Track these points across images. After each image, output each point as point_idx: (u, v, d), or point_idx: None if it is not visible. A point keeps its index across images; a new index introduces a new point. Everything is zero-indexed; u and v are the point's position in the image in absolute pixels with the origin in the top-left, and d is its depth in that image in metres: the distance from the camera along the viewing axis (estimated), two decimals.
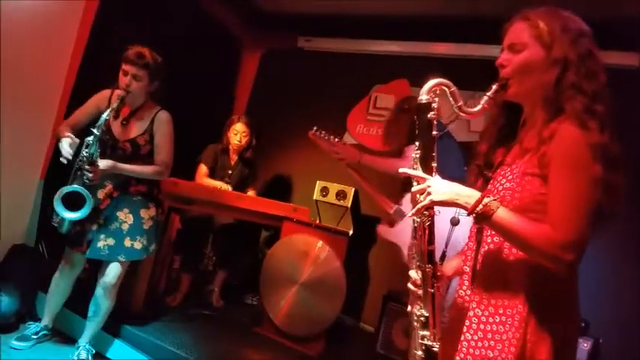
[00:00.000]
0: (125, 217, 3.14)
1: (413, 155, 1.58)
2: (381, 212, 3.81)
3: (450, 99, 1.56)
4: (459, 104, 1.55)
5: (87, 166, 2.85)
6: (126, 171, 3.09)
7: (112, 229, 3.11)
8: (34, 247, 3.86)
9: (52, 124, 3.85)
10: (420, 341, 1.58)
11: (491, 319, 1.48)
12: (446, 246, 3.02)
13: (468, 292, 1.60)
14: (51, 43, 3.85)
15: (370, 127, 5.20)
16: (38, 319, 3.36)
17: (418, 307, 1.59)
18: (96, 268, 3.24)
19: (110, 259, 3.10)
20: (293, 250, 3.85)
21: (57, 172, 3.62)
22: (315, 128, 3.87)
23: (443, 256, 3.01)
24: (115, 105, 3.00)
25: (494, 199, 1.42)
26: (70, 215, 2.82)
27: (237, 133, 4.57)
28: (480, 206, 1.41)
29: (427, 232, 1.55)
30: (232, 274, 4.54)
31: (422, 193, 1.50)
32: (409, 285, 1.64)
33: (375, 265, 4.90)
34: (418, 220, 1.56)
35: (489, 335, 1.47)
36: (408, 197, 3.32)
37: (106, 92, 3.22)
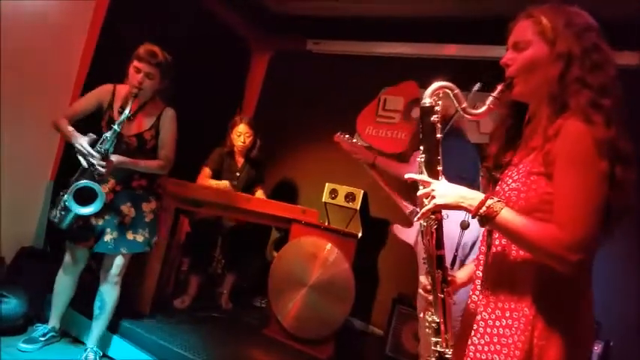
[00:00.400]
0: (128, 211, 3.18)
1: (418, 159, 1.58)
2: (397, 213, 3.79)
3: (454, 101, 1.54)
4: (463, 106, 1.54)
5: (101, 162, 2.87)
6: (133, 166, 3.13)
7: (115, 222, 3.14)
8: (43, 250, 3.87)
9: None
10: (433, 348, 1.57)
11: (497, 323, 1.45)
12: (456, 250, 3.00)
13: (481, 296, 1.57)
14: (61, 42, 3.88)
15: (379, 129, 5.17)
16: (46, 322, 3.36)
17: (429, 313, 1.58)
18: (99, 267, 3.28)
19: (114, 252, 3.14)
20: (302, 252, 3.83)
21: (66, 174, 3.64)
22: (339, 132, 3.91)
23: (454, 261, 2.99)
24: (130, 102, 3.02)
25: (498, 201, 1.40)
26: (84, 210, 2.84)
27: (241, 135, 4.52)
28: (484, 208, 1.39)
29: (435, 236, 1.55)
30: (241, 276, 4.54)
31: (427, 197, 1.50)
32: (419, 291, 1.63)
33: (384, 268, 4.88)
34: (425, 224, 1.55)
35: (495, 339, 1.44)
36: None
37: (108, 87, 3.24)
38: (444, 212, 1.54)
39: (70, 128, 2.99)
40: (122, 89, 3.19)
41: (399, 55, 5.17)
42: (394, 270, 4.74)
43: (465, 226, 2.77)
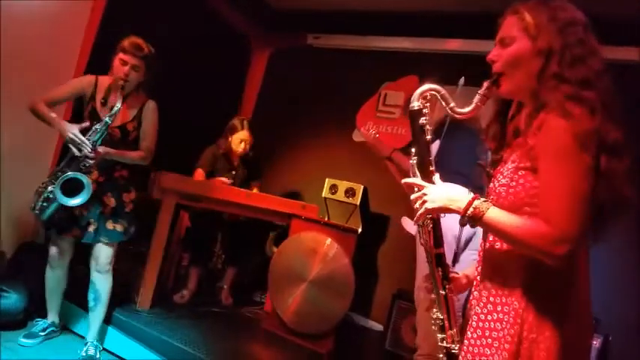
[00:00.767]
0: (108, 201, 3.19)
1: (411, 162, 1.60)
2: (399, 208, 3.80)
3: (442, 102, 1.56)
4: (451, 106, 1.56)
5: (90, 153, 2.91)
6: (117, 156, 3.15)
7: (97, 212, 3.16)
8: (43, 245, 3.87)
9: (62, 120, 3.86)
10: (440, 344, 1.58)
11: (489, 317, 1.47)
12: (457, 247, 3.01)
13: (476, 292, 1.59)
14: (60, 40, 3.88)
15: (380, 124, 5.17)
16: (46, 316, 3.38)
17: (434, 310, 1.60)
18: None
19: (94, 241, 3.16)
20: (302, 247, 3.84)
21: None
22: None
23: (455, 257, 3.01)
24: (118, 94, 3.03)
25: (485, 201, 1.43)
26: (72, 202, 2.87)
27: (242, 141, 4.40)
28: (471, 209, 1.42)
29: (432, 235, 1.57)
30: (242, 271, 4.54)
31: (419, 200, 1.52)
32: (417, 284, 1.66)
33: (383, 263, 4.88)
34: (422, 224, 1.58)
35: (487, 333, 1.46)
36: None
37: (90, 78, 3.25)
38: None
39: (54, 115, 3.01)
40: (104, 80, 3.19)
41: (399, 50, 5.16)
42: (394, 265, 4.75)
43: (463, 223, 2.77)
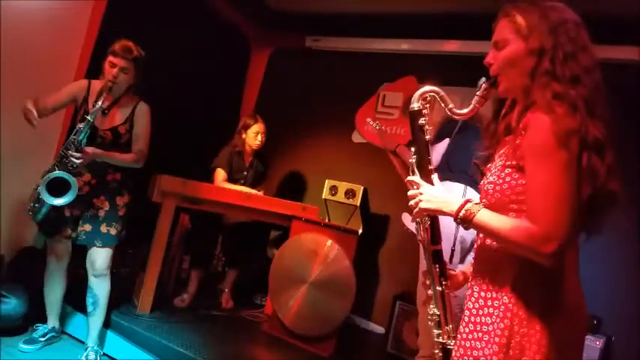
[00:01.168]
0: (101, 204, 3.20)
1: (410, 161, 1.65)
2: (400, 207, 3.79)
3: (441, 103, 1.61)
4: (450, 107, 1.60)
5: (75, 152, 2.91)
6: (108, 158, 3.15)
7: (89, 215, 3.17)
8: (42, 250, 3.86)
9: (62, 124, 3.86)
10: (435, 340, 1.62)
11: (481, 312, 1.50)
12: (454, 244, 3.01)
13: (469, 290, 1.62)
14: (61, 40, 3.88)
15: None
16: (46, 322, 3.37)
17: (431, 306, 1.63)
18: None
19: (87, 244, 3.17)
20: (302, 249, 3.83)
21: None
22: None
23: (452, 255, 3.01)
24: (103, 94, 3.03)
25: (477, 204, 1.47)
26: (57, 201, 2.86)
27: (258, 134, 4.51)
28: (462, 212, 1.46)
29: (429, 232, 1.61)
30: (242, 274, 4.53)
31: (414, 199, 1.57)
32: (419, 284, 1.68)
33: (384, 265, 4.87)
34: (420, 221, 1.62)
35: (478, 327, 1.49)
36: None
37: (83, 82, 3.27)
38: None
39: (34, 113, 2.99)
40: (97, 84, 3.19)
41: (397, 52, 5.16)
42: (395, 267, 4.74)
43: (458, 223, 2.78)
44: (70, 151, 2.91)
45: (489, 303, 1.48)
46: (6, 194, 3.60)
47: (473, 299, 1.54)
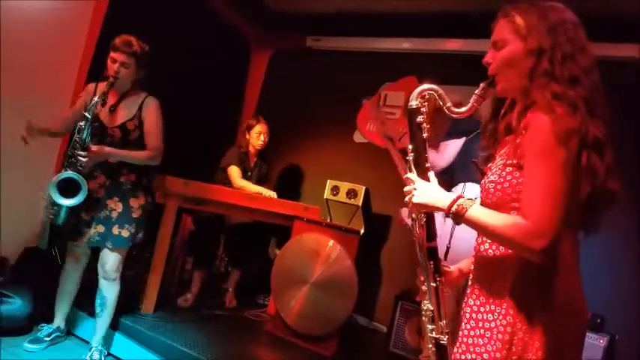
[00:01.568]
0: (115, 205, 3.18)
1: (407, 158, 1.66)
2: (401, 205, 3.80)
3: (439, 101, 1.61)
4: (447, 105, 1.60)
5: (80, 152, 2.91)
6: (119, 156, 3.12)
7: (102, 216, 3.16)
8: (47, 251, 3.87)
9: None
10: (429, 335, 1.63)
11: (482, 309, 1.51)
12: (449, 242, 3.03)
13: (469, 289, 1.64)
14: (62, 40, 3.90)
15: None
16: (51, 322, 3.37)
17: (425, 302, 1.65)
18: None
19: (100, 245, 3.17)
20: (304, 249, 3.84)
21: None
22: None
23: (447, 252, 3.02)
24: (104, 90, 3.01)
25: (469, 199, 1.47)
26: (66, 202, 2.86)
27: (261, 134, 4.57)
28: (454, 207, 1.46)
29: (425, 229, 1.62)
30: (246, 272, 4.54)
31: (409, 195, 1.58)
32: (417, 282, 1.71)
33: (386, 264, 4.88)
34: (415, 217, 1.63)
35: (480, 324, 1.50)
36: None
37: (90, 86, 3.24)
38: None
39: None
40: (103, 86, 3.15)
41: (399, 51, 5.17)
42: (397, 266, 4.75)
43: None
44: (76, 151, 2.91)
45: (491, 300, 1.49)
46: (10, 195, 3.61)
47: (474, 296, 1.55)
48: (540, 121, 1.37)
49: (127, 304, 3.61)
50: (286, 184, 5.46)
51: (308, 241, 3.86)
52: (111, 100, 3.13)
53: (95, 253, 3.29)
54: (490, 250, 1.53)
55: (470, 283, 1.61)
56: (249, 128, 4.61)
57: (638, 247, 3.72)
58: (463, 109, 1.60)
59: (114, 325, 3.39)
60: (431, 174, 1.61)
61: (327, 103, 5.36)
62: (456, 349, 1.57)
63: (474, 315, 1.53)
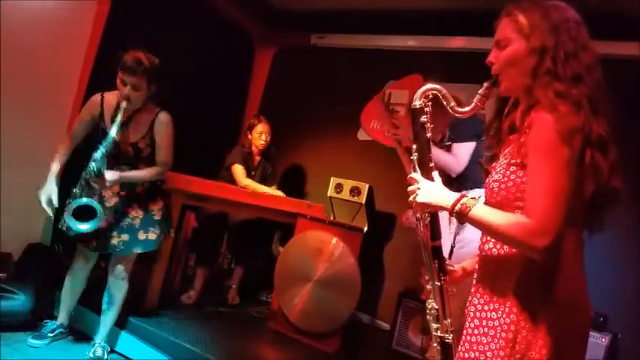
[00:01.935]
0: (136, 213, 3.19)
1: (411, 158, 1.67)
2: (404, 205, 3.79)
3: (442, 101, 1.63)
4: (451, 105, 1.62)
5: (94, 180, 2.91)
6: (131, 179, 3.12)
7: (125, 225, 3.15)
8: (50, 246, 3.89)
9: (67, 122, 3.89)
10: (434, 333, 1.64)
11: (486, 307, 1.52)
12: (454, 241, 3.02)
13: (473, 288, 1.64)
14: (65, 38, 3.91)
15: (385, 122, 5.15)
16: (54, 318, 3.39)
17: (429, 300, 1.66)
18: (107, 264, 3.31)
19: (127, 253, 3.18)
20: (307, 246, 3.84)
21: (72, 170, 3.65)
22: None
23: (451, 251, 3.02)
24: (118, 118, 2.96)
25: (472, 198, 1.48)
26: (82, 227, 2.86)
27: (262, 134, 4.59)
28: (458, 206, 1.48)
29: (429, 228, 1.63)
30: (248, 271, 4.55)
31: (412, 194, 1.59)
32: (421, 281, 1.72)
33: (390, 262, 4.88)
34: (420, 217, 1.64)
35: (484, 322, 1.51)
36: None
37: (96, 98, 3.17)
38: None
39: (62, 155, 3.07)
40: (111, 98, 3.13)
41: (403, 49, 5.17)
42: (400, 264, 4.75)
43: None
44: (90, 178, 2.90)
45: (495, 299, 1.50)
46: (12, 191, 3.62)
47: (478, 294, 1.56)
48: (544, 120, 1.37)
49: (130, 300, 3.61)
50: (289, 181, 5.46)
51: (311, 238, 3.85)
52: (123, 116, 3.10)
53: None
54: (494, 250, 1.53)
55: (474, 282, 1.62)
56: (251, 128, 4.63)
57: None
58: (467, 108, 1.61)
59: (117, 323, 3.40)
60: (435, 173, 1.63)
61: (331, 100, 5.36)
62: (459, 348, 1.58)
63: (477, 314, 1.54)
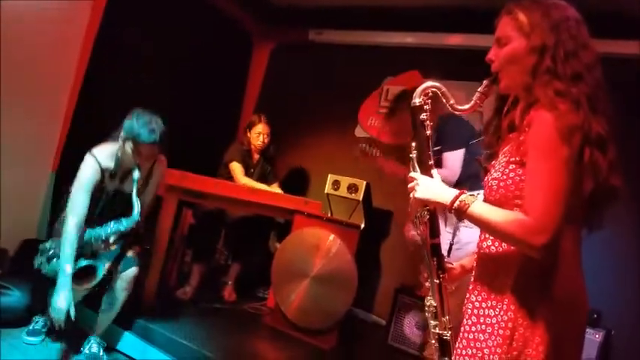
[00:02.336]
0: (112, 246, 3.19)
1: (410, 156, 1.67)
2: (400, 205, 3.80)
3: (442, 99, 1.63)
4: (451, 102, 1.62)
5: (100, 243, 3.03)
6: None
7: (105, 255, 3.15)
8: (45, 242, 3.87)
9: (63, 118, 3.88)
10: (432, 330, 1.65)
11: (484, 304, 1.52)
12: (452, 239, 3.02)
13: (471, 286, 1.64)
14: (60, 42, 3.88)
15: (382, 119, 5.15)
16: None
17: (428, 298, 1.66)
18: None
19: (113, 283, 3.20)
20: (304, 243, 3.84)
21: (69, 165, 3.64)
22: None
23: (450, 249, 3.02)
24: (134, 195, 3.00)
25: (471, 195, 1.49)
26: (83, 287, 3.00)
27: (260, 134, 4.58)
28: (457, 202, 1.48)
29: (428, 226, 1.63)
30: (245, 267, 4.55)
31: (412, 191, 1.60)
32: (420, 278, 1.72)
33: (386, 258, 4.89)
34: (419, 215, 1.64)
35: (482, 319, 1.51)
36: None
37: (94, 166, 3.04)
38: None
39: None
40: (106, 160, 3.07)
41: (401, 45, 5.15)
42: (396, 260, 4.75)
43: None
44: (95, 244, 3.01)
45: (492, 296, 1.50)
46: (8, 187, 3.61)
47: (476, 292, 1.56)
48: (543, 118, 1.38)
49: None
50: (286, 178, 5.45)
51: (308, 235, 3.85)
52: (122, 171, 3.15)
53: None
54: (493, 247, 1.53)
55: (472, 279, 1.62)
56: (251, 126, 4.62)
57: (635, 242, 3.73)
58: (466, 106, 1.61)
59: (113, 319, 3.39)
60: (434, 171, 1.63)
61: (329, 97, 5.35)
62: (457, 345, 1.58)
63: (475, 311, 1.54)
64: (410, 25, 4.99)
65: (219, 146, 4.69)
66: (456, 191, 1.52)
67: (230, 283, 4.43)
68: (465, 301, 1.61)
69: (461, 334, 1.58)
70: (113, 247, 3.17)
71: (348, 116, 5.28)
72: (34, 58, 3.69)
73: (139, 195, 3.07)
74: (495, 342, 1.45)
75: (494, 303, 1.49)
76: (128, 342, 3.37)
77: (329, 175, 4.66)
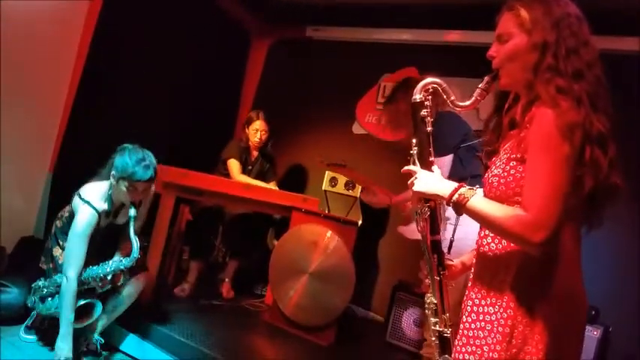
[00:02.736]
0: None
1: (411, 152, 1.67)
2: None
3: (443, 95, 1.64)
4: (451, 99, 1.62)
5: (99, 281, 3.04)
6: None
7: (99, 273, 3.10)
8: (43, 240, 3.86)
9: (60, 117, 3.87)
10: (433, 328, 1.65)
11: (483, 302, 1.52)
12: (453, 235, 3.02)
13: (469, 283, 1.65)
14: (58, 41, 3.87)
15: (380, 116, 5.15)
16: None
17: (429, 295, 1.67)
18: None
19: (112, 294, 3.23)
20: (302, 240, 3.84)
21: (66, 165, 3.64)
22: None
23: (450, 246, 3.02)
24: (132, 236, 2.98)
25: (470, 189, 1.49)
26: (86, 322, 3.03)
27: (258, 131, 4.56)
28: (456, 196, 1.49)
29: (429, 222, 1.63)
30: (243, 264, 4.55)
31: (411, 185, 1.60)
32: (420, 275, 1.72)
33: (384, 255, 4.89)
34: (419, 211, 1.64)
35: (481, 317, 1.51)
36: None
37: (92, 214, 3.01)
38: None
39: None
40: (101, 205, 3.06)
41: (399, 42, 5.15)
42: (394, 257, 4.76)
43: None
44: (93, 282, 3.03)
45: (492, 294, 1.50)
46: (6, 184, 3.60)
47: (476, 289, 1.56)
48: (544, 115, 1.38)
49: None
50: (285, 175, 5.45)
51: (306, 232, 3.85)
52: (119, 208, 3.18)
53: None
54: (492, 244, 1.54)
55: (471, 276, 1.62)
56: (249, 123, 4.60)
57: (634, 240, 3.74)
58: (467, 102, 1.61)
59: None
60: (434, 167, 1.63)
61: (326, 94, 5.35)
62: (456, 342, 1.58)
63: (475, 308, 1.54)
64: (407, 21, 4.98)
65: (216, 143, 4.68)
66: (455, 184, 1.52)
67: (228, 280, 4.43)
68: (465, 299, 1.61)
69: (460, 331, 1.58)
70: (119, 282, 3.18)
71: (345, 113, 5.27)
72: (34, 58, 3.68)
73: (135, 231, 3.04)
74: (495, 339, 1.45)
75: (493, 300, 1.49)
76: (125, 339, 3.36)
77: (326, 172, 4.66)
